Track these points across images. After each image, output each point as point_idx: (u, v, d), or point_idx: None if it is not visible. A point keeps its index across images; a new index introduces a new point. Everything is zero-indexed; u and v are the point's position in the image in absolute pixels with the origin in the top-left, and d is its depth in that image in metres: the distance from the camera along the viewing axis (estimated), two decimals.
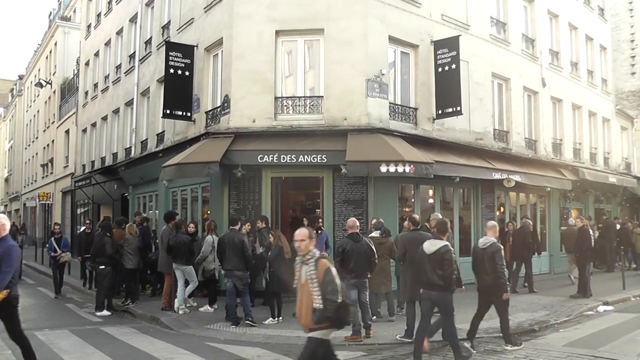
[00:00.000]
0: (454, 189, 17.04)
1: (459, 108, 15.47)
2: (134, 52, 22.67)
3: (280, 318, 11.53)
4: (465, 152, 16.61)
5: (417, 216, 10.60)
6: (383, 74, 14.83)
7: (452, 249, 8.37)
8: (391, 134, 14.61)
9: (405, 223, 11.13)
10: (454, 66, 15.51)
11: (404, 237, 10.31)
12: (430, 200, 16.69)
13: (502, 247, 9.24)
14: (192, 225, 13.99)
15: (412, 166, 13.39)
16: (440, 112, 15.84)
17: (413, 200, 16.06)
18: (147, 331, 11.16)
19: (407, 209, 15.91)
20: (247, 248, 11.40)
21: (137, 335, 10.78)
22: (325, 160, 13.90)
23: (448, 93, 15.62)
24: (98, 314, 12.96)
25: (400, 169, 13.28)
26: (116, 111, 24.79)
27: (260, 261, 12.40)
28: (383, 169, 13.27)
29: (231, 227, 11.76)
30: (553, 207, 21.57)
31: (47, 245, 17.60)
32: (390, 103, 15.15)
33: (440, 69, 15.80)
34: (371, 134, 14.27)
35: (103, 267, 13.07)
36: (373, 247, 10.13)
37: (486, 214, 17.59)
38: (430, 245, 8.40)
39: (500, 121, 19.38)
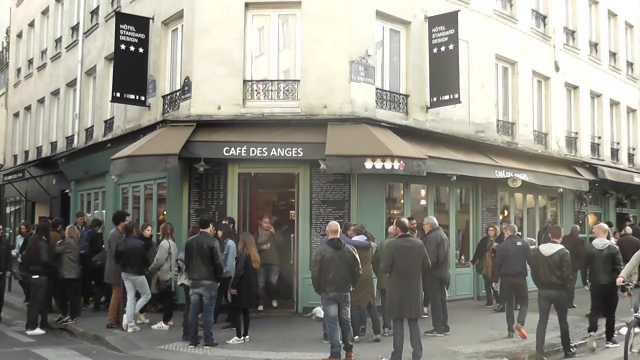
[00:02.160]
0: (450, 188, 17.40)
1: (456, 95, 15.81)
2: (78, 24, 22.76)
3: (247, 337, 11.81)
4: (463, 147, 16.99)
5: (406, 220, 10.84)
6: (369, 55, 15.11)
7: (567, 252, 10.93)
8: (378, 124, 14.93)
9: (391, 228, 11.39)
10: (451, 46, 15.84)
11: (391, 244, 10.50)
12: (423, 202, 17.07)
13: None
14: (149, 228, 14.21)
15: (401, 162, 13.66)
16: (434, 99, 16.17)
17: (402, 201, 16.44)
18: (89, 353, 11.28)
19: (395, 212, 16.28)
20: (218, 255, 11.58)
21: (77, 358, 10.91)
22: (302, 154, 14.17)
23: (444, 78, 15.95)
24: (29, 332, 13.04)
25: (388, 165, 13.55)
26: (55, 93, 24.89)
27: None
28: (368, 165, 13.54)
29: (201, 230, 11.91)
30: (566, 211, 22.02)
31: None
32: (377, 89, 15.47)
33: (435, 50, 16.12)
34: (355, 124, 14.57)
35: (37, 276, 13.13)
36: (357, 256, 10.38)
37: (487, 217, 17.95)
38: (548, 249, 10.96)
39: (505, 111, 19.75)
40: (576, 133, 23.34)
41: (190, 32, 15.43)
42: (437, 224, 13.29)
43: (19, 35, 30.36)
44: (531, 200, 20.85)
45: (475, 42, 17.84)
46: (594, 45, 24.86)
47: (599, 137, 24.98)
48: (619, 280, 10.51)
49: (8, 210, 32.23)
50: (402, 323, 10.09)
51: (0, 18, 36.83)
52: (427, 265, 10.50)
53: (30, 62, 28.56)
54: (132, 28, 16.58)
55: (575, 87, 23.33)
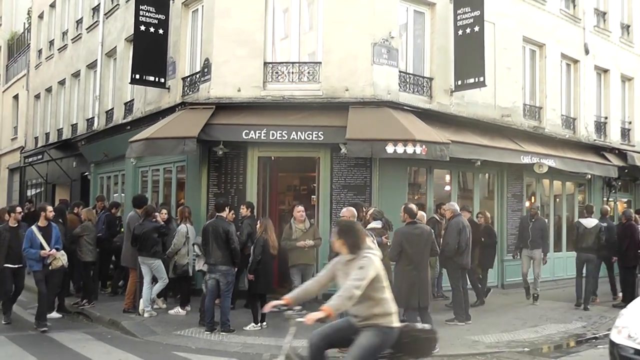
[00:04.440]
0: (475, 174, 17.31)
1: (482, 78, 15.62)
2: (98, 5, 22.78)
3: (264, 324, 11.80)
4: (488, 131, 16.81)
5: (414, 206, 10.73)
6: (392, 37, 14.99)
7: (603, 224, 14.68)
8: (401, 108, 14.82)
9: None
10: (477, 28, 15.63)
11: (399, 231, 10.53)
12: (447, 187, 16.95)
13: None
14: (164, 211, 14.20)
15: (424, 146, 13.58)
16: (459, 83, 16.02)
17: (426, 186, 16.35)
18: (105, 338, 11.31)
19: (418, 197, 16.25)
20: (233, 239, 11.56)
21: (91, 342, 10.92)
22: (322, 137, 14.11)
23: (470, 61, 15.77)
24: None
25: (410, 149, 13.47)
26: (76, 74, 24.97)
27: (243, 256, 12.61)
28: (390, 149, 13.46)
29: (217, 214, 11.93)
30: (595, 198, 21.70)
31: (26, 239, 11.96)
32: (400, 72, 15.35)
33: (460, 32, 15.92)
34: (377, 107, 14.48)
35: None
36: (375, 242, 10.31)
37: (513, 204, 17.83)
38: (589, 222, 14.65)
39: (532, 95, 19.54)
40: (606, 118, 23.00)
41: (211, 12, 15.39)
42: (459, 210, 13.18)
43: (40, 17, 30.47)
44: (559, 187, 20.62)
45: (501, 23, 17.60)
46: (626, 28, 24.41)
47: (630, 122, 24.63)
48: (269, 306, 6.22)
49: (29, 192, 32.51)
50: (414, 312, 10.05)
51: None
52: (435, 251, 10.57)
53: (51, 43, 28.67)
54: (151, 9, 16.56)
55: (606, 71, 22.98)
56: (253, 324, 11.73)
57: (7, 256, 12.25)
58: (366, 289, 5.79)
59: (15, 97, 35.20)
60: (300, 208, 12.64)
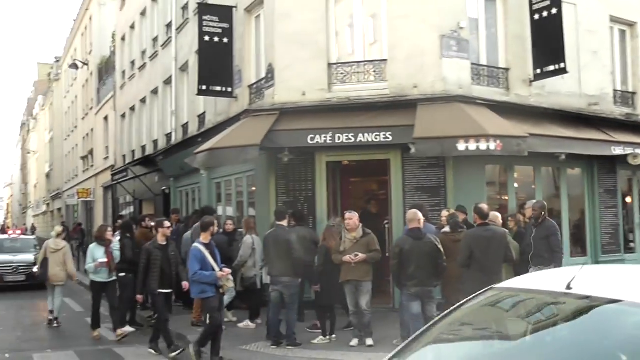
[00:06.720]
0: (560, 169, 16.20)
1: (562, 65, 14.56)
2: (171, 21, 23.09)
3: (334, 336, 11.32)
4: (573, 122, 15.75)
5: (485, 206, 9.92)
6: (462, 28, 14.24)
7: None
8: (473, 102, 14.03)
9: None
10: (554, 11, 14.58)
11: (469, 234, 9.79)
12: (533, 186, 15.93)
13: None
14: (229, 222, 13.97)
15: (498, 142, 12.72)
16: (539, 71, 15.02)
17: (506, 185, 15.48)
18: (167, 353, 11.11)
19: (504, 197, 15.40)
20: (295, 249, 11.15)
21: (153, 357, 10.87)
22: (391, 138, 13.52)
23: (548, 47, 14.75)
24: (119, 331, 13.14)
25: (483, 145, 12.65)
26: (155, 91, 25.46)
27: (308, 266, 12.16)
28: (461, 146, 12.69)
29: (278, 222, 11.57)
30: None
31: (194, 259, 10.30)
32: (472, 64, 14.56)
33: (537, 16, 14.91)
34: (448, 103, 13.76)
35: (124, 274, 13.10)
36: (440, 247, 9.70)
37: (606, 200, 16.59)
38: None
39: (624, 79, 18.30)
40: None
41: (271, 16, 15.16)
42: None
43: (123, 39, 31.40)
44: None
45: (584, 3, 16.45)
46: None
47: None
48: None
49: (124, 210, 33.20)
50: None
51: (108, 24, 38.24)
52: (511, 257, 9.73)
53: (132, 63, 29.41)
54: (215, 18, 16.56)
55: None
56: (321, 336, 11.26)
57: (160, 280, 11.00)
58: None
59: (106, 118, 36.40)
60: (349, 215, 10.83)
